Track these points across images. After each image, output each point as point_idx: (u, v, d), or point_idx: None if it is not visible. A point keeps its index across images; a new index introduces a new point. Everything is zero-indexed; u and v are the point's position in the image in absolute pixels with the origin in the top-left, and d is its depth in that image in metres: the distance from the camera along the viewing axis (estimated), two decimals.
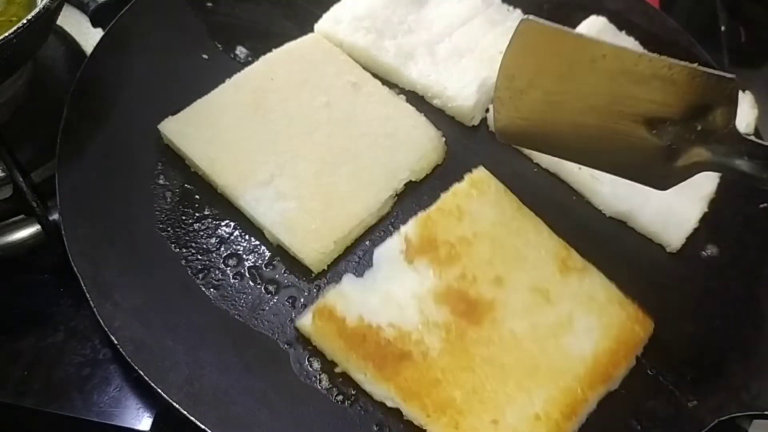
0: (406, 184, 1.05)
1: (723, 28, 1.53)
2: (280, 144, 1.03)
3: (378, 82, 1.13)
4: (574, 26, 1.26)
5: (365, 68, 1.14)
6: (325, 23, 1.18)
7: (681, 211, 1.08)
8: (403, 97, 1.14)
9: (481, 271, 0.96)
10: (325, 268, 0.97)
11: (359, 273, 0.96)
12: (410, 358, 0.88)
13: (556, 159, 1.09)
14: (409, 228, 0.98)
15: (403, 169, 1.04)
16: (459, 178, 1.05)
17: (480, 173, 1.05)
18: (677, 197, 1.07)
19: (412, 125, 1.09)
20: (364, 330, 0.89)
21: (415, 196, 1.04)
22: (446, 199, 1.02)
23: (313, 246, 0.95)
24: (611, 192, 1.08)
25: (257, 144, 1.02)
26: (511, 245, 0.99)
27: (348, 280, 0.94)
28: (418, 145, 1.07)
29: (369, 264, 0.97)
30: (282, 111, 1.06)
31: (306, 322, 0.90)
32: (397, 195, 1.04)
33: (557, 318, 0.94)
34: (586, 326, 0.94)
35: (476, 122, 1.15)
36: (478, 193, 1.03)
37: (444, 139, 1.10)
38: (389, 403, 0.87)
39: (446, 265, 0.95)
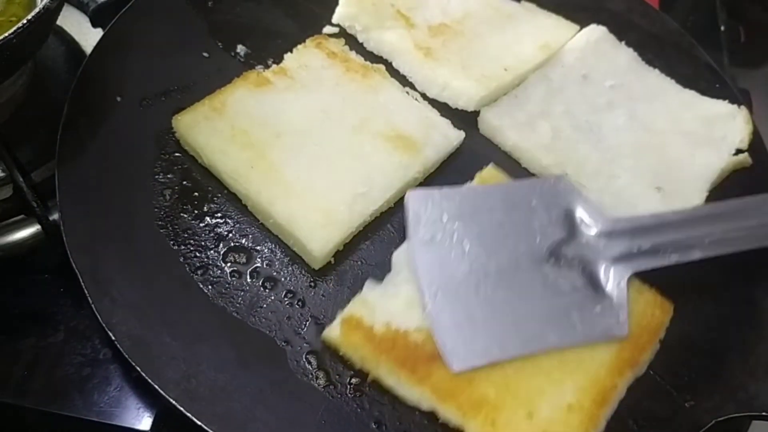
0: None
1: (723, 28, 1.53)
2: (290, 139, 1.03)
3: (391, 82, 1.14)
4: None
5: None
6: None
7: None
8: (417, 96, 1.14)
9: None
10: (325, 265, 0.97)
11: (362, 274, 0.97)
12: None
13: (558, 161, 1.09)
14: None
15: (410, 169, 1.04)
16: (463, 175, 1.05)
17: (489, 171, 1.06)
18: (664, 208, 1.05)
19: (422, 124, 1.09)
20: (392, 335, 0.88)
21: None
22: None
23: (315, 243, 0.95)
24: (598, 201, 1.05)
25: (267, 138, 1.02)
26: None
27: (369, 287, 0.93)
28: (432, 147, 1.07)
29: (366, 261, 0.98)
30: (295, 107, 1.07)
31: (334, 333, 0.89)
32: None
33: None
34: None
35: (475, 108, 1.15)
36: None
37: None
38: (423, 406, 0.87)
39: None
